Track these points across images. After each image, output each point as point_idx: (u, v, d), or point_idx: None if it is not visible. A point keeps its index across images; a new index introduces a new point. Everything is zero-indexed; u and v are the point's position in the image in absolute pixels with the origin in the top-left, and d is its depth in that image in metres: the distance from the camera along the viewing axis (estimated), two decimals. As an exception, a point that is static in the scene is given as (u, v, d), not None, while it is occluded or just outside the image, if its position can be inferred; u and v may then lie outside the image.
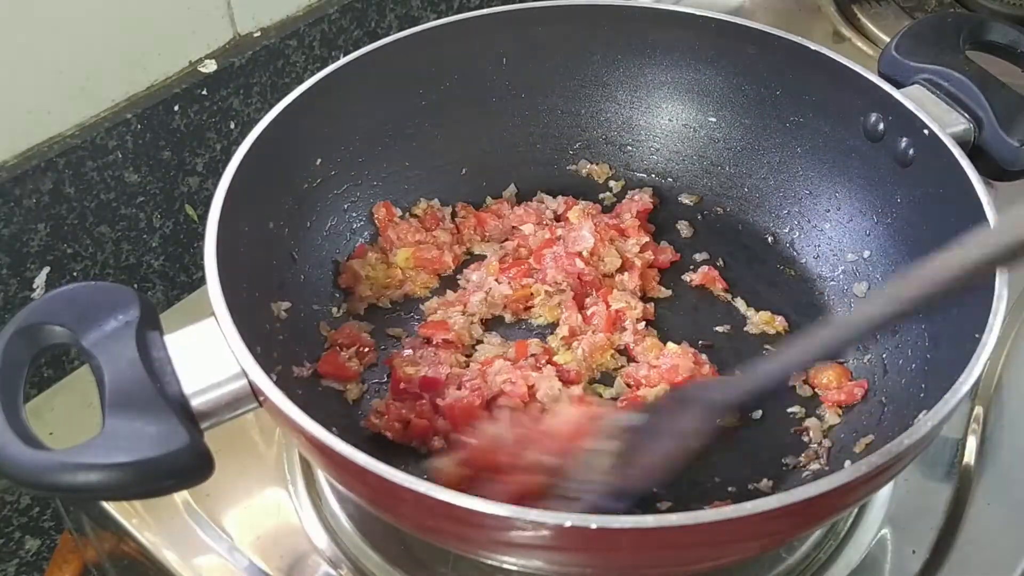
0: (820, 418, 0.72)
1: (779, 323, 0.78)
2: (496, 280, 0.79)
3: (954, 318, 0.66)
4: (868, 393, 0.72)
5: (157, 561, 0.70)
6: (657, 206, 0.87)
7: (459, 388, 0.71)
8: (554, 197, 0.87)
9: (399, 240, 0.82)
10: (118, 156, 0.84)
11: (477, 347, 0.76)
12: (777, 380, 0.62)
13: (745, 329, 0.79)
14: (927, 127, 0.72)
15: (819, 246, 0.82)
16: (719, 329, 0.79)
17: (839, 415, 0.72)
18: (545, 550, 0.54)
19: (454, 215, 0.85)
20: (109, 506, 0.72)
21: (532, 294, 0.79)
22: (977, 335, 0.58)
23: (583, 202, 0.86)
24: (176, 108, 0.87)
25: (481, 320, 0.78)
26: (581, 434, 0.62)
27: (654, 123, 0.89)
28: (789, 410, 0.73)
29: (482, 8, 0.84)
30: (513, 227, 0.84)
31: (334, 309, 0.78)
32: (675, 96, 0.88)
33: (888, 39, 0.82)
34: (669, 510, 0.66)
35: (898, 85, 0.76)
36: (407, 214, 0.84)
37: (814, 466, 0.69)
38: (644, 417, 0.64)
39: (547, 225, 0.83)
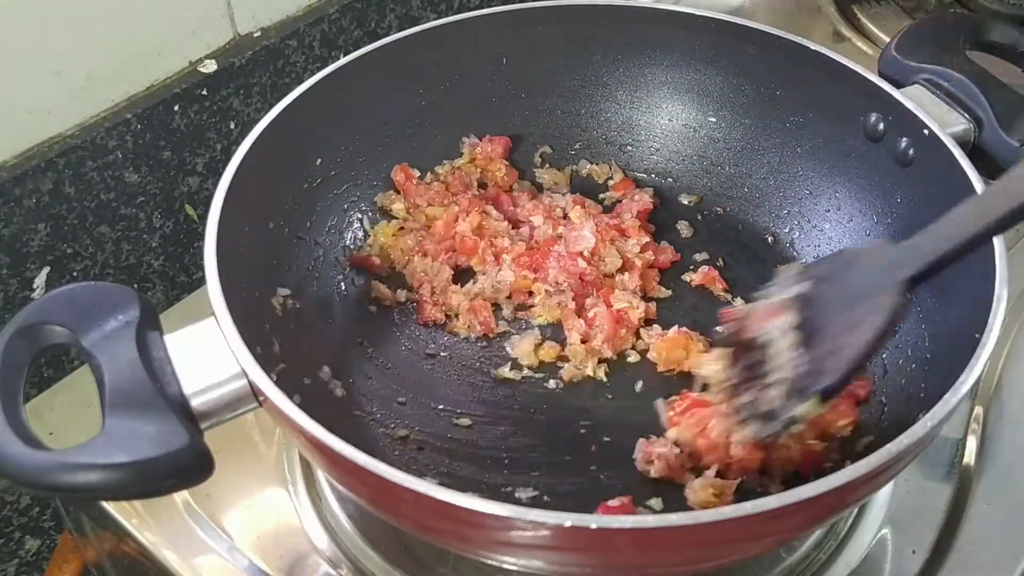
0: None
1: (779, 323, 0.78)
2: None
3: (954, 318, 0.67)
4: (869, 393, 0.72)
5: (157, 561, 0.70)
6: (657, 206, 0.87)
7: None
8: (563, 195, 0.87)
9: (428, 203, 0.83)
10: (118, 156, 0.84)
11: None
12: (964, 245, 0.57)
13: (745, 329, 0.79)
14: (927, 127, 0.72)
15: (819, 246, 0.82)
16: (719, 329, 0.79)
17: None
18: (545, 550, 0.54)
19: (482, 185, 0.87)
20: (109, 506, 0.72)
21: (532, 291, 0.79)
22: (977, 335, 0.58)
23: (589, 201, 0.86)
24: (176, 108, 0.87)
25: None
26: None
27: (654, 123, 0.89)
28: None
29: (482, 8, 0.84)
30: (522, 220, 0.85)
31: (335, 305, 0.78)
32: (675, 96, 0.88)
33: (888, 39, 0.82)
34: (664, 510, 0.66)
35: (898, 85, 0.76)
36: (428, 176, 0.86)
37: None
38: (811, 284, 0.60)
39: (554, 220, 0.84)
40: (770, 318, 0.60)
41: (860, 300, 0.58)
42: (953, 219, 0.58)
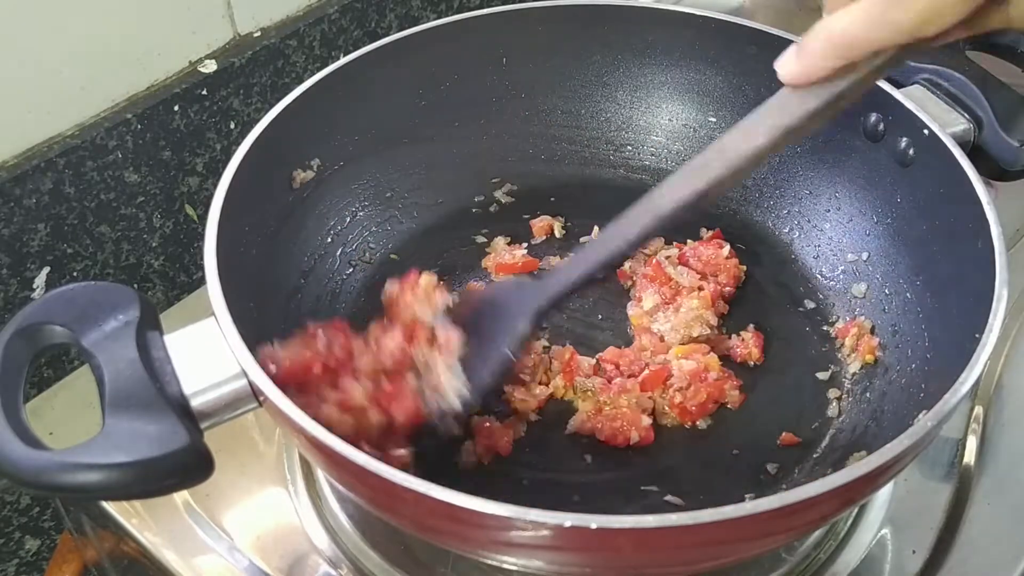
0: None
1: (779, 323, 0.79)
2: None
3: (954, 318, 0.67)
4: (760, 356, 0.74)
5: (157, 561, 0.70)
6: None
7: None
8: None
9: None
10: (118, 156, 0.84)
11: None
12: (585, 278, 0.63)
13: (745, 329, 0.79)
14: (927, 127, 0.72)
15: (819, 246, 0.82)
16: (719, 329, 0.79)
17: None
18: (545, 550, 0.54)
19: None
20: (109, 506, 0.72)
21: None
22: (977, 335, 0.58)
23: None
24: (176, 108, 0.87)
25: None
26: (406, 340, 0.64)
27: (654, 123, 0.89)
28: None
29: (482, 8, 0.84)
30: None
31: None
32: (675, 96, 0.88)
33: (888, 39, 0.81)
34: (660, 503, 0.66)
35: (898, 85, 0.76)
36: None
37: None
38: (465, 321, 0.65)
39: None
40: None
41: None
42: (574, 263, 0.64)
